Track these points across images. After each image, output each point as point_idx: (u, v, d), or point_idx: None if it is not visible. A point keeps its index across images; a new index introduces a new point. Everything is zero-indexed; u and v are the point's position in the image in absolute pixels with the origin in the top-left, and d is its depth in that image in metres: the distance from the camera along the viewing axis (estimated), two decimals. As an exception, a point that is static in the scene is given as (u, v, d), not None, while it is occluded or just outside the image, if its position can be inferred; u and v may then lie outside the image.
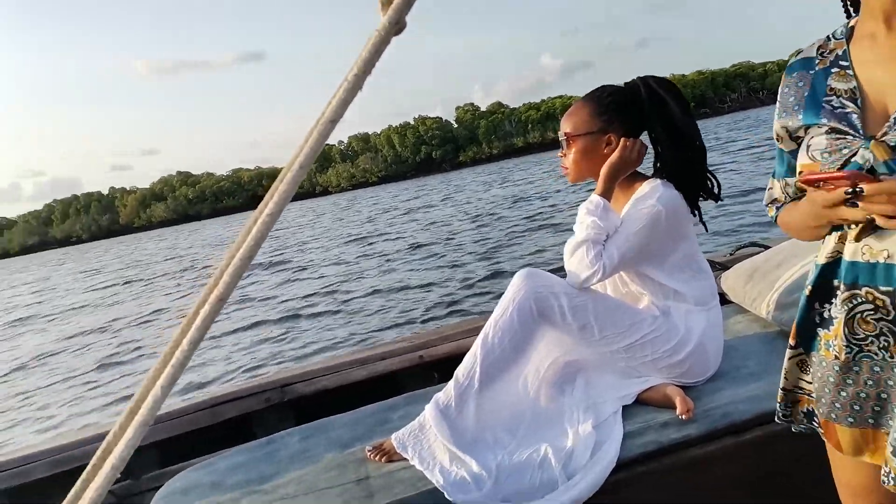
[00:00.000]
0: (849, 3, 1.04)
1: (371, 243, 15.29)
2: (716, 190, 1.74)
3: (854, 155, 0.91)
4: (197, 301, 0.67)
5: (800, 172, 0.98)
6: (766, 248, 2.37)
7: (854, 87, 0.95)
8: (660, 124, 1.69)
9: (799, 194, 1.09)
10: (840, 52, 0.99)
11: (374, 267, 11.41)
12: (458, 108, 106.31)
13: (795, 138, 1.02)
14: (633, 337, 1.65)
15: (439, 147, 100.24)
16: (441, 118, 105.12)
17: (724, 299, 2.10)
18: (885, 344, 0.94)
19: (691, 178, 1.70)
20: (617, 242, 1.62)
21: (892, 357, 0.94)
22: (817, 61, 1.01)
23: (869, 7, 0.95)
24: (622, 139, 1.69)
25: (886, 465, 0.96)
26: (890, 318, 0.92)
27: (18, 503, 2.08)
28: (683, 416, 1.55)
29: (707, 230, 1.85)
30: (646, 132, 1.75)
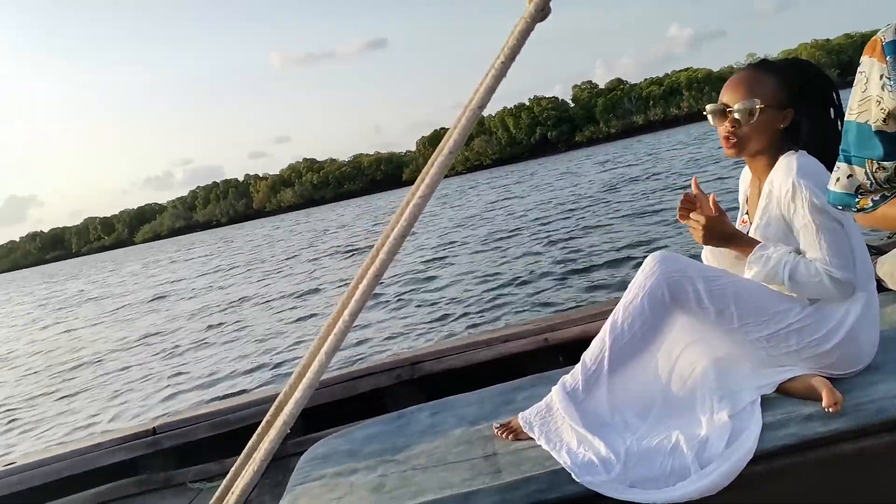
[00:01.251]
0: None
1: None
2: None
3: None
4: (356, 276, 0.73)
5: None
6: None
7: None
8: (819, 108, 1.64)
9: (893, 180, 1.03)
10: None
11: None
12: (574, 86, 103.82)
13: None
14: (777, 326, 1.56)
15: (554, 128, 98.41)
16: (557, 98, 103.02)
17: (880, 286, 1.95)
18: None
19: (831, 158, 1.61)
20: (815, 249, 1.55)
21: None
22: None
23: None
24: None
25: None
26: None
27: (183, 461, 2.36)
28: (830, 410, 1.45)
29: None
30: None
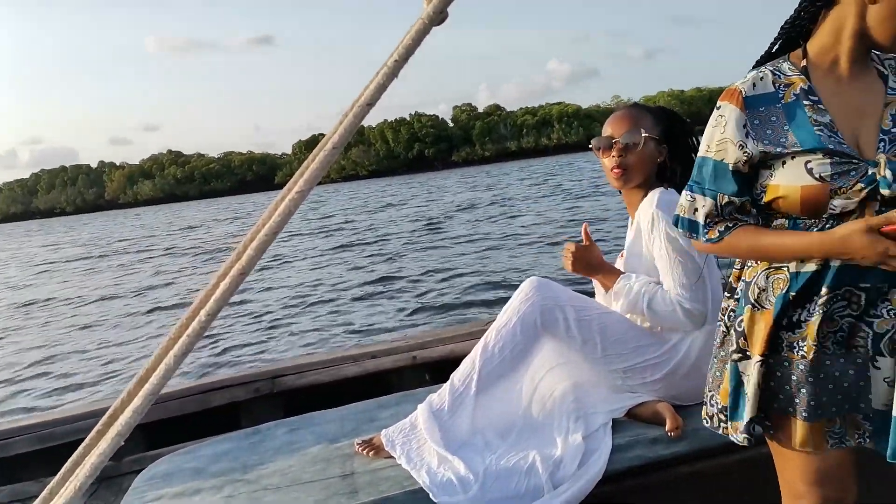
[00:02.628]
0: (776, 47, 1.19)
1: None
2: None
3: (864, 175, 1.05)
4: (218, 273, 0.66)
5: (802, 188, 1.08)
6: None
7: (831, 121, 1.09)
8: (683, 151, 1.78)
9: (744, 217, 1.16)
10: (805, 87, 1.12)
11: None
12: (455, 107, 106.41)
13: (765, 164, 1.12)
14: (636, 360, 1.66)
15: (433, 145, 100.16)
16: (437, 116, 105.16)
17: None
18: (841, 339, 1.08)
19: None
20: (671, 277, 1.64)
21: (849, 349, 1.09)
22: (780, 95, 1.13)
23: (830, 53, 1.12)
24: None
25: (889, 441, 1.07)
26: (857, 313, 1.07)
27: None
28: (672, 434, 1.55)
29: None
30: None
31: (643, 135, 1.71)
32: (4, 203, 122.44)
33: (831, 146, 1.06)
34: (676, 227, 1.24)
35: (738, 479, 1.55)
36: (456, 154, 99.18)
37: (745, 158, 1.12)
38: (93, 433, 0.65)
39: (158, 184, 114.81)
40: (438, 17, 0.62)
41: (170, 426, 2.22)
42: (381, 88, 0.59)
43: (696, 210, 1.19)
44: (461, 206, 20.89)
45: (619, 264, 1.90)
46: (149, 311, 9.09)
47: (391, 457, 1.60)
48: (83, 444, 0.67)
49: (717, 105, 1.17)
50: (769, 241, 1.13)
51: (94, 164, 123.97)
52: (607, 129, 1.77)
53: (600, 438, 1.57)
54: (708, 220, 1.17)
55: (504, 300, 1.75)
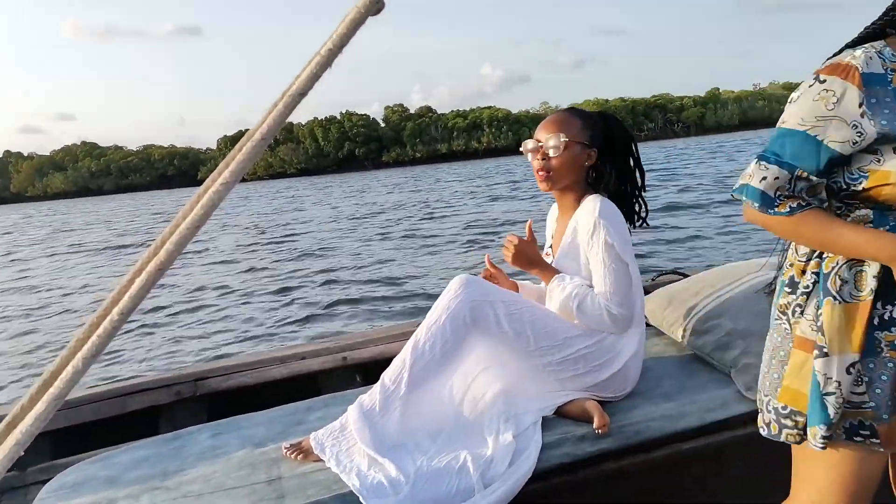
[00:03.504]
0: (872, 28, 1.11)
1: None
2: (644, 217, 1.89)
3: None
4: (133, 269, 0.61)
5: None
6: (686, 276, 2.48)
7: None
8: (620, 157, 1.84)
9: (811, 199, 1.11)
10: None
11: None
12: (386, 107, 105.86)
13: (870, 148, 1.06)
14: (567, 351, 1.68)
15: (363, 145, 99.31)
16: (368, 115, 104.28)
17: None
18: None
19: (628, 204, 1.85)
20: (603, 283, 1.71)
21: None
22: (889, 78, 1.06)
23: None
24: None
25: None
26: None
27: None
28: (599, 431, 1.59)
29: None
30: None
31: (562, 139, 1.75)
32: None
33: None
34: (742, 196, 1.15)
35: (663, 474, 1.60)
36: (387, 154, 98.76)
37: (857, 139, 1.07)
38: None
39: (71, 176, 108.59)
40: (374, 6, 0.60)
41: (83, 432, 2.08)
42: (314, 78, 0.56)
43: (766, 179, 1.11)
44: (384, 206, 20.92)
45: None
46: (60, 313, 8.56)
47: (320, 460, 1.56)
48: None
49: (820, 78, 1.09)
50: (839, 231, 1.08)
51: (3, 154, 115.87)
52: (537, 134, 1.82)
53: (530, 437, 1.59)
54: (778, 192, 1.11)
55: (421, 300, 1.75)
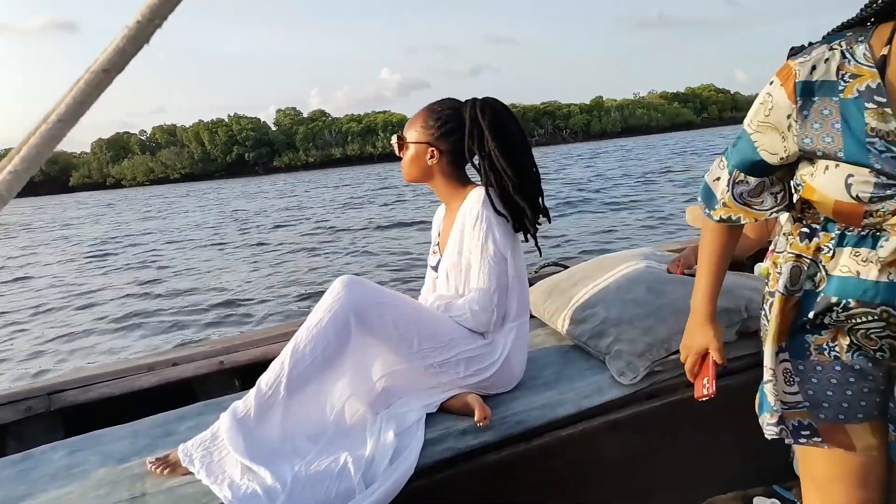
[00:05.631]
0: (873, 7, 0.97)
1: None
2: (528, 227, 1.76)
3: None
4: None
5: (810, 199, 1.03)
6: (565, 267, 2.56)
7: (894, 130, 0.92)
8: (484, 149, 1.70)
9: (749, 198, 1.12)
10: (873, 85, 0.93)
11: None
12: (278, 111, 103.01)
13: (806, 158, 1.02)
14: (450, 353, 1.68)
15: (253, 149, 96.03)
16: (259, 119, 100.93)
17: None
18: (888, 346, 1.03)
19: (520, 200, 1.71)
20: (478, 284, 1.70)
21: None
22: (840, 87, 0.96)
23: None
24: None
25: None
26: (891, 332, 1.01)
27: None
28: (480, 424, 1.60)
29: (541, 254, 1.87)
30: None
31: (394, 142, 1.83)
32: None
33: (878, 165, 0.92)
34: (699, 192, 1.18)
35: (542, 463, 1.63)
36: (278, 159, 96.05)
37: (782, 152, 1.04)
38: None
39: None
40: (153, 24, 0.55)
41: None
42: (122, 54, 0.50)
43: (717, 179, 1.13)
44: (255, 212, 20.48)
45: (432, 260, 1.92)
46: None
47: (189, 473, 1.46)
48: None
49: (770, 80, 1.04)
50: (704, 270, 1.18)
51: None
52: None
53: (412, 434, 1.57)
54: (723, 193, 1.13)
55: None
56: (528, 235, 1.77)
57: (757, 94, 1.09)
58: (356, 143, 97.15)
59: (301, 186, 36.99)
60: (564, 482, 1.68)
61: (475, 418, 1.61)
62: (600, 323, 1.95)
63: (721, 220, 1.17)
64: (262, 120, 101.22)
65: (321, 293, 1.65)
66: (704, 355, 1.28)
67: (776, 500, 1.86)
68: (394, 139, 1.84)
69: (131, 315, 7.15)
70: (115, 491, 1.43)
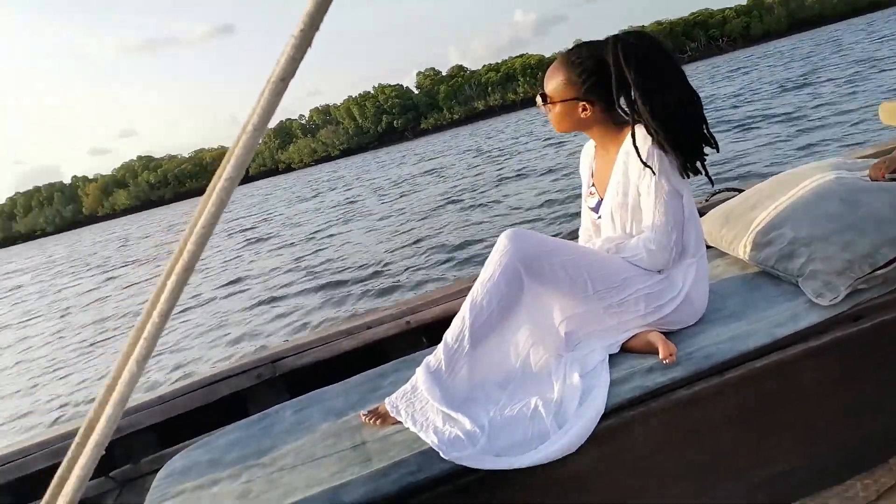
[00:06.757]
0: None
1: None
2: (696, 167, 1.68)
3: None
4: (163, 272, 0.65)
5: None
6: (740, 191, 2.40)
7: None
8: (637, 87, 1.60)
9: None
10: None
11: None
12: (418, 73, 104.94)
13: None
14: (627, 291, 1.67)
15: (400, 115, 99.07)
16: (401, 85, 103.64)
17: None
18: None
19: (686, 132, 1.63)
20: (653, 222, 1.66)
21: None
22: None
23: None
24: None
25: None
26: None
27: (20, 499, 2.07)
28: (666, 361, 1.58)
29: (713, 184, 1.79)
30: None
31: (537, 100, 1.78)
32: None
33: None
34: None
35: (734, 397, 1.58)
36: (424, 122, 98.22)
37: None
38: (73, 447, 0.65)
39: (133, 192, 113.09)
40: None
41: (180, 423, 2.25)
42: (293, 61, 0.57)
43: None
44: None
45: (591, 202, 1.90)
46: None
47: (398, 422, 1.62)
48: (66, 459, 0.67)
49: None
50: None
51: (74, 179, 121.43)
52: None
53: (598, 375, 1.60)
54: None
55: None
56: (700, 166, 1.67)
57: None
58: (497, 92, 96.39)
59: (449, 143, 37.36)
60: (763, 412, 1.62)
61: (660, 356, 1.59)
62: (788, 244, 1.82)
63: None
64: (405, 85, 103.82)
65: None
66: None
67: None
68: (538, 99, 1.79)
69: (322, 287, 7.81)
70: (340, 441, 1.64)
